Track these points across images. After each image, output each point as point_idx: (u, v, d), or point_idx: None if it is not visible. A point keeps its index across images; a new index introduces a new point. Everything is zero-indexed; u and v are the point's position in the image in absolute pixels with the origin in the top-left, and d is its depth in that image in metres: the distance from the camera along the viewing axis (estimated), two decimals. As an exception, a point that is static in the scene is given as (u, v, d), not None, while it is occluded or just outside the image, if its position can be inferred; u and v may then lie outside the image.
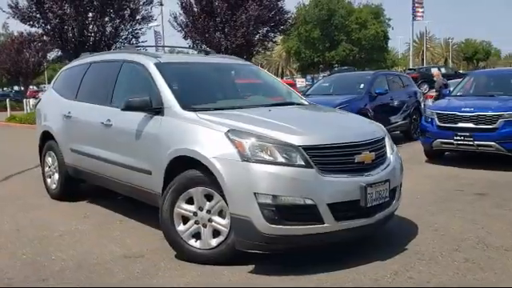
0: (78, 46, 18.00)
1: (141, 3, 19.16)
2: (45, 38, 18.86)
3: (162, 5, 22.16)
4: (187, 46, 24.04)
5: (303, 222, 3.49)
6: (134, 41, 19.35)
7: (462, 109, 7.90)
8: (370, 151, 3.85)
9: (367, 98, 10.14)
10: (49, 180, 6.25)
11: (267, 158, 3.50)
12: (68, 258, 4.06)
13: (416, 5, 33.42)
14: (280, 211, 3.44)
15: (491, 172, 7.37)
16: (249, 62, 5.81)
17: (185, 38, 23.32)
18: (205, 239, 3.82)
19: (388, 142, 4.23)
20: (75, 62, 6.35)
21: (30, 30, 24.87)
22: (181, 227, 3.92)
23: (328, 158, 3.61)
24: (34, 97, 29.37)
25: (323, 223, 3.50)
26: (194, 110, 4.14)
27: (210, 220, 3.80)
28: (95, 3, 18.08)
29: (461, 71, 31.22)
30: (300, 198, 3.45)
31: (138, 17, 19.39)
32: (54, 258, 4.09)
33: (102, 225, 5.01)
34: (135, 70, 4.92)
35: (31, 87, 40.83)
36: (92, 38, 18.54)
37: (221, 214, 3.77)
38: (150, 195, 4.37)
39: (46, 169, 6.28)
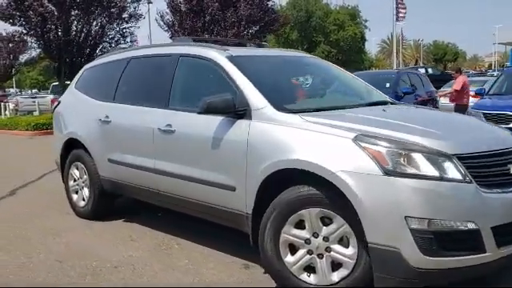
0: (63, 45, 16.92)
1: (128, 1, 18.19)
2: (26, 37, 17.64)
3: (150, 2, 21.12)
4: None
5: (463, 251, 2.76)
6: (121, 40, 18.37)
7: (513, 108, 7.39)
8: (519, 159, 3.18)
9: (394, 97, 9.53)
10: (75, 196, 5.35)
11: (414, 170, 2.77)
12: (143, 300, 3.24)
13: (399, 5, 33.29)
14: (438, 239, 2.71)
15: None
16: (315, 56, 5.07)
17: (171, 37, 22.44)
18: (322, 273, 3.06)
19: None
20: (104, 59, 5.47)
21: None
22: (289, 258, 3.15)
23: (484, 169, 2.91)
24: (2, 101, 27.71)
25: (485, 252, 2.79)
26: (293, 112, 3.39)
27: (328, 249, 3.04)
28: (78, 0, 17.00)
29: (448, 71, 31.20)
30: (461, 222, 2.74)
31: (124, 15, 18.40)
32: (123, 299, 3.27)
33: (158, 250, 4.19)
34: (200, 66, 4.12)
35: (9, 90, 38.80)
36: (77, 38, 17.46)
37: (341, 241, 3.03)
38: (233, 216, 3.59)
39: (71, 183, 5.38)
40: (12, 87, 60.63)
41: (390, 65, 63.76)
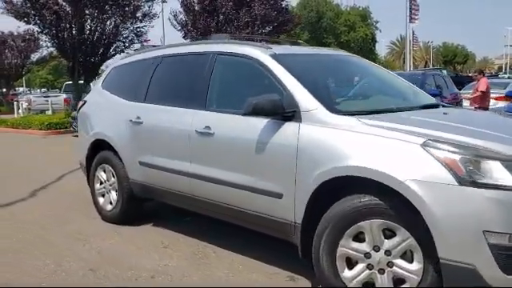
0: (77, 44, 16.78)
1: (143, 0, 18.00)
2: (40, 36, 17.53)
3: (164, 1, 20.93)
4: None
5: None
6: (136, 40, 18.21)
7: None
8: None
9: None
10: (101, 199, 5.14)
11: (492, 180, 2.52)
12: (188, 315, 3.03)
13: (413, 7, 32.92)
14: (520, 256, 2.48)
15: None
16: (354, 55, 4.81)
17: (184, 37, 22.26)
18: (383, 289, 2.83)
19: None
20: (133, 57, 5.25)
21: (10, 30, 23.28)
22: (346, 273, 2.93)
23: None
24: (12, 100, 27.62)
25: None
26: (348, 114, 3.16)
27: (389, 264, 2.81)
28: (93, -1, 16.82)
29: (462, 73, 30.88)
30: (546, 237, 2.50)
31: (138, 14, 18.19)
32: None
33: (194, 259, 3.97)
34: (240, 65, 3.90)
35: (18, 89, 38.68)
36: (91, 37, 17.30)
37: (404, 255, 2.79)
38: (279, 225, 3.36)
39: (98, 185, 5.17)
40: (22, 86, 60.78)
41: (400, 67, 63.29)
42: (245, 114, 3.36)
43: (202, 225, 4.71)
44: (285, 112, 3.29)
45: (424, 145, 2.68)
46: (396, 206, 2.72)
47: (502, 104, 11.98)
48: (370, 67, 4.53)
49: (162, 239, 4.46)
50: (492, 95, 13.10)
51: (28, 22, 16.61)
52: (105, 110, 5.09)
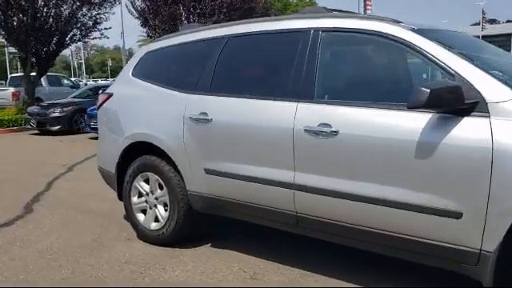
0: (30, 32, 15.04)
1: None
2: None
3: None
4: (145, 34, 21.49)
5: None
6: (95, 28, 16.66)
7: None
8: None
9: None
10: (141, 216, 4.11)
11: None
12: None
13: (367, -2, 33.07)
14: None
15: None
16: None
17: (143, 25, 20.82)
18: None
19: None
20: (178, 38, 4.13)
21: None
22: None
23: None
24: None
25: None
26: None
27: None
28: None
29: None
30: None
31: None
32: None
33: (305, 295, 3.09)
34: (365, 44, 3.06)
35: None
36: (45, 24, 15.54)
37: None
38: (448, 252, 2.56)
39: (135, 199, 4.13)
40: None
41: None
42: (412, 107, 2.51)
43: (273, 243, 3.87)
44: (464, 104, 2.48)
45: None
46: None
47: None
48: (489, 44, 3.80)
49: (239, 266, 3.54)
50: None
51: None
52: (145, 104, 4.05)
